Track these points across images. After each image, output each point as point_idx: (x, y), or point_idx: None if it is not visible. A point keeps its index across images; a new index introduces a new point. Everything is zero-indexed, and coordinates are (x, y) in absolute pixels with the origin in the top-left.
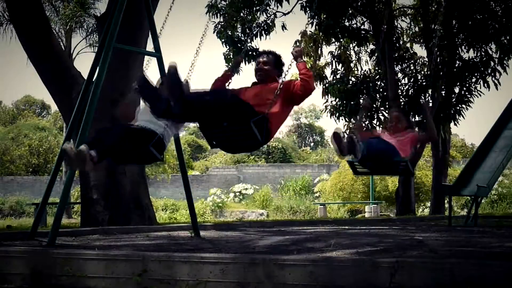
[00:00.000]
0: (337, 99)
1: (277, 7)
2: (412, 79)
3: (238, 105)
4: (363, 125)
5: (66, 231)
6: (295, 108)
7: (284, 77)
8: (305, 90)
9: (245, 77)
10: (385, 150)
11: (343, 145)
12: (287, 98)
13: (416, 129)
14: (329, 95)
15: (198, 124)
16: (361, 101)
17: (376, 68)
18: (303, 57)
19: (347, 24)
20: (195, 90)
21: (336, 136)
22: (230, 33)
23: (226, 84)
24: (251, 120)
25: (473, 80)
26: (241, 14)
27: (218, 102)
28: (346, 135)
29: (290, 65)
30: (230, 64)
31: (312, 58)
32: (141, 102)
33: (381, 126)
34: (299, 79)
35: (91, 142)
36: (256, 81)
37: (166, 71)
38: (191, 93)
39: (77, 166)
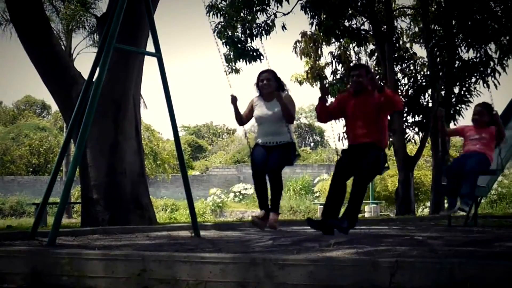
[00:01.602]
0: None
1: (277, 7)
2: (412, 79)
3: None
4: (445, 130)
5: (66, 231)
6: (295, 108)
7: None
8: (399, 102)
9: (245, 77)
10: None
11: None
12: (385, 109)
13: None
14: (329, 95)
15: None
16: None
17: (376, 68)
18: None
19: (347, 24)
20: None
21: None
22: (230, 33)
23: (328, 105)
24: (381, 166)
25: (473, 80)
26: (241, 14)
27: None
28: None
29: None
30: (231, 64)
31: (312, 58)
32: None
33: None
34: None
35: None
36: (352, 90)
37: None
38: None
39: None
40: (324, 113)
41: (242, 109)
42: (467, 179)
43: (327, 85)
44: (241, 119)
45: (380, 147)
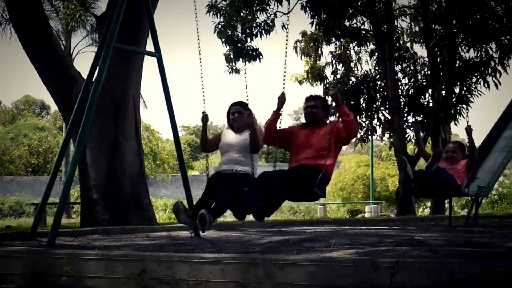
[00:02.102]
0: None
1: (277, 7)
2: (412, 79)
3: (302, 177)
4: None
5: (66, 231)
6: (295, 108)
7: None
8: (349, 134)
9: (246, 76)
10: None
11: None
12: (336, 143)
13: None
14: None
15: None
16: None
17: (376, 68)
18: (341, 99)
19: (347, 24)
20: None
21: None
22: (230, 33)
23: (277, 123)
24: (314, 187)
25: (473, 80)
26: (241, 14)
27: (284, 183)
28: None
29: (333, 109)
30: (231, 64)
31: (312, 58)
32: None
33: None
34: (342, 123)
35: (203, 201)
36: (305, 122)
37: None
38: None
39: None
40: (274, 131)
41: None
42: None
43: (326, 86)
44: (206, 143)
45: (320, 170)
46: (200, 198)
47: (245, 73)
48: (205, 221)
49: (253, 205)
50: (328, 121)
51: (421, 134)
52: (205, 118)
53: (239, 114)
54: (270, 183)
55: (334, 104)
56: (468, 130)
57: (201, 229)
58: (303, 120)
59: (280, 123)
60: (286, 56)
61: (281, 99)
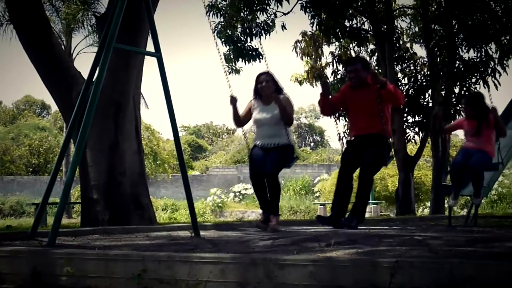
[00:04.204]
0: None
1: (277, 7)
2: (412, 79)
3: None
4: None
5: (66, 231)
6: (295, 108)
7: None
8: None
9: (246, 76)
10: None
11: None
12: (387, 106)
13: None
14: (330, 95)
15: None
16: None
17: (376, 68)
18: (378, 79)
19: (347, 24)
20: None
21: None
22: (230, 33)
23: (330, 98)
24: (387, 158)
25: (473, 80)
26: (241, 14)
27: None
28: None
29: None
30: (231, 64)
31: (312, 58)
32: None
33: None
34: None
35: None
36: (351, 84)
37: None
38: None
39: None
40: (326, 105)
41: (241, 110)
42: (473, 179)
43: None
44: (239, 121)
45: (384, 137)
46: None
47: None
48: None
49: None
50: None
51: (421, 134)
52: (233, 99)
53: (267, 82)
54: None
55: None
56: (438, 113)
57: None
58: (303, 120)
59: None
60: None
61: (325, 86)
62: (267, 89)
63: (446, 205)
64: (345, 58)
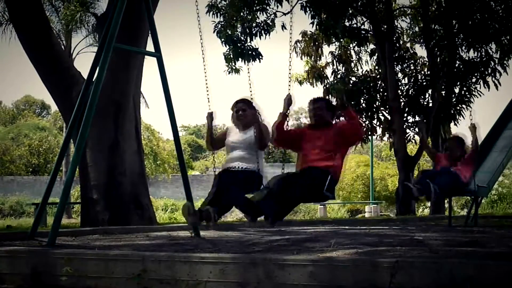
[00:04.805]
0: (338, 99)
1: (277, 7)
2: (412, 79)
3: (312, 180)
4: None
5: (66, 231)
6: (295, 108)
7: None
8: (355, 136)
9: (246, 76)
10: (454, 185)
11: (414, 192)
12: (342, 143)
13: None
14: (330, 95)
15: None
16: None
17: (376, 68)
18: (344, 103)
19: (347, 24)
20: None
21: (406, 188)
22: (230, 33)
23: (285, 125)
24: (324, 190)
25: (473, 80)
26: (241, 14)
27: (296, 187)
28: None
29: (338, 116)
30: (231, 64)
31: (312, 58)
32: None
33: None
34: (350, 124)
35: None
36: (311, 123)
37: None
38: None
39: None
40: (283, 132)
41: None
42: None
43: (327, 86)
44: (212, 142)
45: (328, 172)
46: (208, 197)
47: (248, 72)
48: (210, 218)
49: (269, 211)
50: (334, 122)
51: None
52: (210, 116)
53: (243, 111)
54: (284, 188)
55: (340, 109)
56: (472, 128)
57: (206, 226)
58: (303, 120)
59: (287, 124)
60: (290, 57)
61: (288, 101)
62: (244, 118)
63: (446, 205)
64: (345, 58)
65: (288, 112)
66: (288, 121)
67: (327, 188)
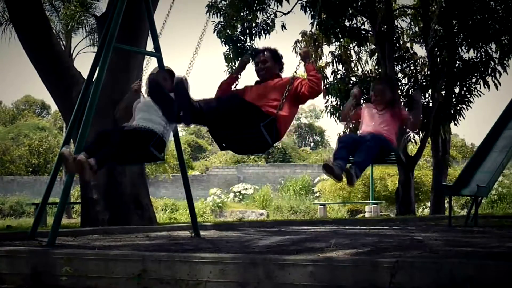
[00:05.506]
0: (338, 99)
1: (277, 7)
2: (412, 79)
3: (247, 108)
4: (351, 110)
5: (66, 231)
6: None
7: (294, 73)
8: (312, 92)
9: (247, 76)
10: (378, 152)
11: (336, 173)
12: (294, 97)
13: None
14: (330, 95)
15: (207, 127)
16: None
17: (376, 68)
18: (311, 58)
19: (347, 24)
20: (203, 99)
21: (327, 167)
22: (230, 33)
23: (233, 86)
24: (261, 124)
25: (473, 80)
26: (241, 14)
27: (227, 108)
28: (335, 165)
29: (298, 65)
30: (231, 63)
31: (312, 58)
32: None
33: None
34: (307, 79)
35: (90, 149)
36: (259, 79)
37: (174, 83)
38: (199, 102)
39: (75, 172)
40: (226, 90)
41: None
42: (361, 149)
43: (326, 86)
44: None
45: (269, 115)
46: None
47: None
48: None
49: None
50: (288, 77)
51: (421, 134)
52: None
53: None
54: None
55: (301, 61)
56: (355, 93)
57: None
58: (303, 121)
59: (235, 87)
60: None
61: (242, 63)
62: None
63: (446, 205)
64: (345, 58)
65: (239, 74)
66: (236, 85)
67: (265, 124)
